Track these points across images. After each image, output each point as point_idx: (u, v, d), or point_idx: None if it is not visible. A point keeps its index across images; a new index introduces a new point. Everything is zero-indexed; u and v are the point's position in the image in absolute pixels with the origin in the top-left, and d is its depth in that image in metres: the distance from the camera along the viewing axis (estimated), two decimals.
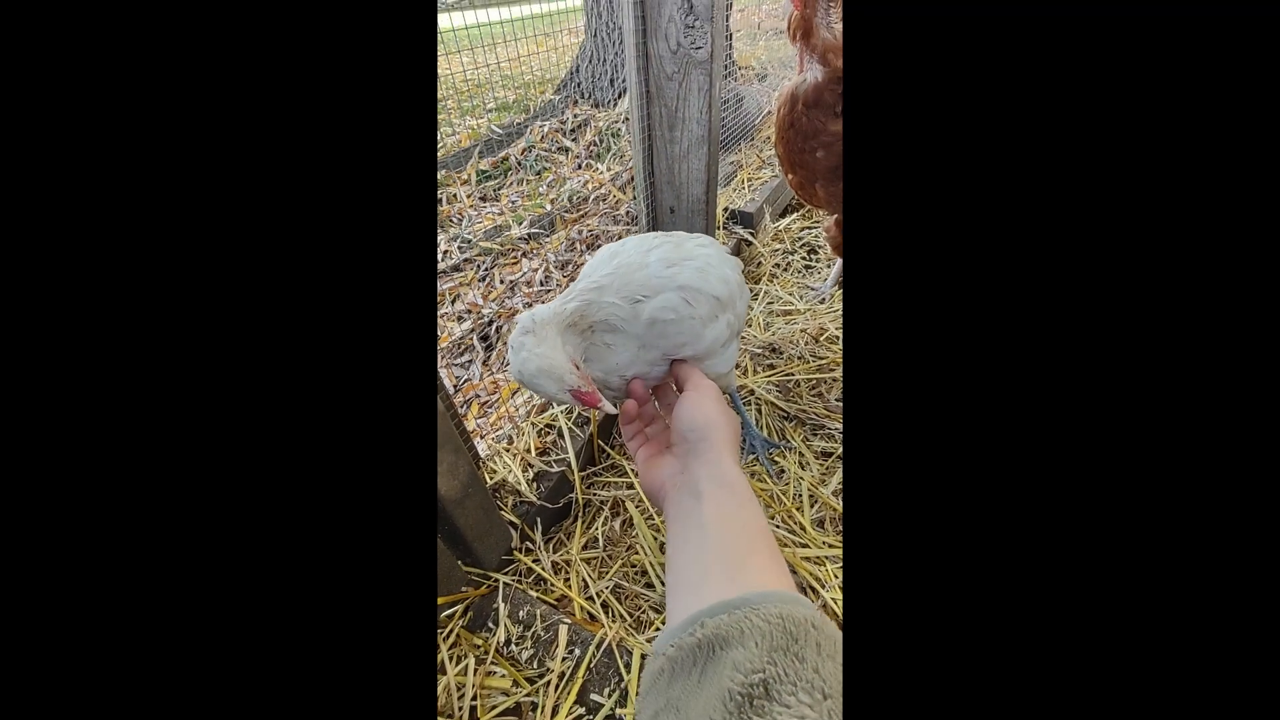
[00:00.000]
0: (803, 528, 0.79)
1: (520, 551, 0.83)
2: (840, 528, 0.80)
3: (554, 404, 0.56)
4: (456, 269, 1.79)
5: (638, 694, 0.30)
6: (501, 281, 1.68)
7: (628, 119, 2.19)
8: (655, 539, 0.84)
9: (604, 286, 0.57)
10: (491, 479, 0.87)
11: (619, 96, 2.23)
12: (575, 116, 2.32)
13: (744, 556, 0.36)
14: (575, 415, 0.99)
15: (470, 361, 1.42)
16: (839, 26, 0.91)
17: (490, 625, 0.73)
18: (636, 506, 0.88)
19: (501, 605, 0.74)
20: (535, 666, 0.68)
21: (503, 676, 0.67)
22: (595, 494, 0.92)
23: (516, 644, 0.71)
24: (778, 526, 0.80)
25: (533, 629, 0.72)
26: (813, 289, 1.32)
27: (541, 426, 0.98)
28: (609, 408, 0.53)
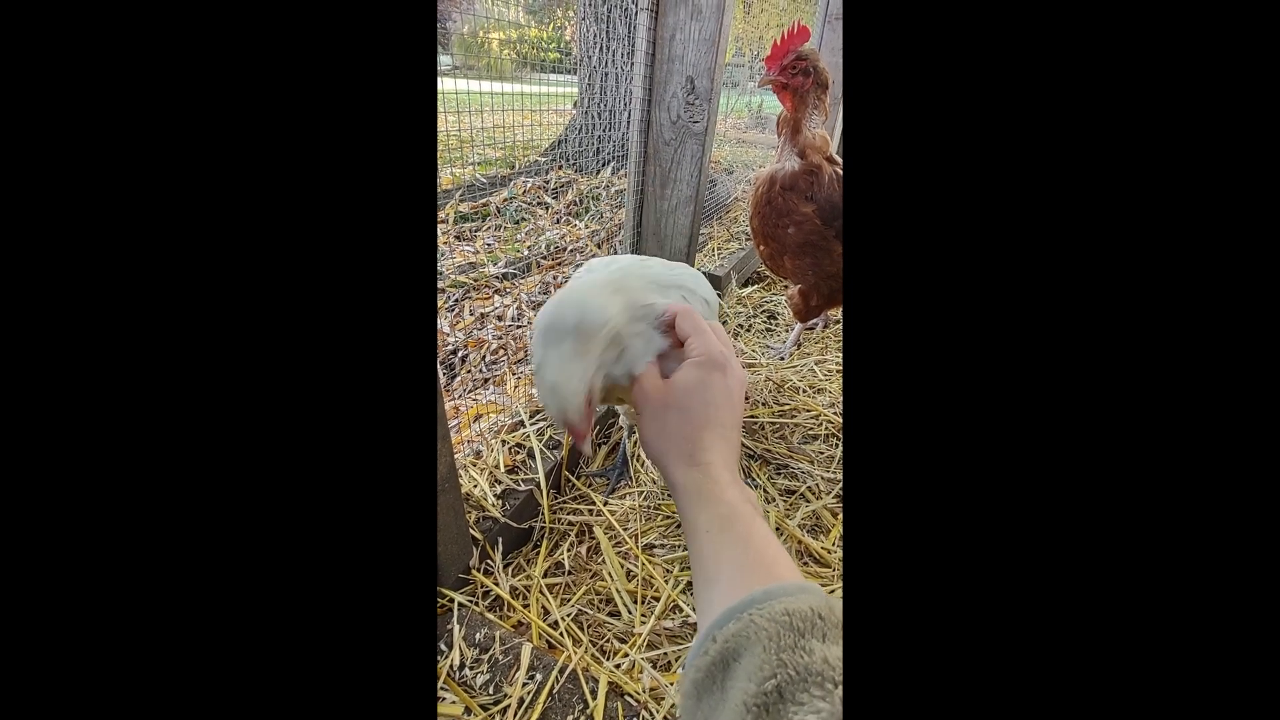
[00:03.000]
0: None
1: (479, 572, 0.77)
2: (804, 560, 0.82)
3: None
4: None
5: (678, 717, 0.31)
6: (471, 313, 1.67)
7: (609, 186, 2.36)
8: (622, 566, 0.82)
9: (627, 273, 0.58)
10: None
11: (603, 166, 2.43)
12: (559, 178, 2.47)
13: (761, 549, 0.37)
14: (547, 437, 0.98)
15: None
16: (819, 131, 1.10)
17: (443, 647, 0.66)
18: (605, 532, 0.86)
19: (456, 627, 0.68)
20: (491, 692, 0.62)
21: (453, 703, 0.60)
22: (562, 519, 0.90)
23: (471, 668, 0.64)
24: None
25: (490, 652, 0.66)
26: (772, 349, 1.43)
27: (512, 445, 0.96)
28: (588, 449, 0.55)
